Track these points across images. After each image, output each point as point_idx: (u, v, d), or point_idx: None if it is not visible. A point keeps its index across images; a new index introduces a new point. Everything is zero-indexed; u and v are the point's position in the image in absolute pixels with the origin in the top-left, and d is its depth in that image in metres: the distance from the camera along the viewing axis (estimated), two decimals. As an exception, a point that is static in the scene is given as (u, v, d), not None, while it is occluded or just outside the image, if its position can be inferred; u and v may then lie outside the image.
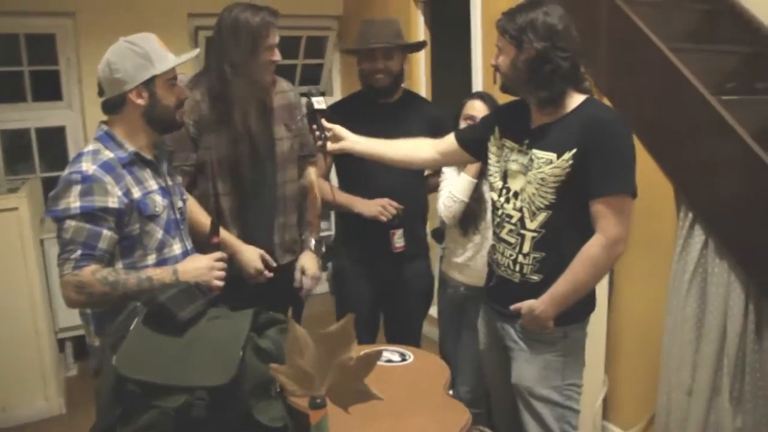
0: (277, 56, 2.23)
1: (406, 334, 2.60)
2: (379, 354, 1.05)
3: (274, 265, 2.28)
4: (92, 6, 3.98)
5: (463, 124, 2.44)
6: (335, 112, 2.53)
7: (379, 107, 2.50)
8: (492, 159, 2.00)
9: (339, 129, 2.11)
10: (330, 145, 2.08)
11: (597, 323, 2.74)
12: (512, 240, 1.88)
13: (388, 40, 2.43)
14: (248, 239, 2.29)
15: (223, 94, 2.20)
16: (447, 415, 1.41)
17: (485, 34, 3.40)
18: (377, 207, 2.38)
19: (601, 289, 2.72)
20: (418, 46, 2.80)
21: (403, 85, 2.61)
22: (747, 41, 2.89)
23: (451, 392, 1.63)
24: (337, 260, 2.67)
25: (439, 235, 2.70)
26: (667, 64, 2.41)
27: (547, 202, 1.79)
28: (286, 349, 1.06)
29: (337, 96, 5.05)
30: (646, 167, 2.54)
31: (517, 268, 1.88)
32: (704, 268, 2.35)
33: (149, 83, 1.74)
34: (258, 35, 2.16)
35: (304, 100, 2.16)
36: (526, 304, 1.83)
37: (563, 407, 1.89)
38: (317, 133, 2.08)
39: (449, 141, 2.15)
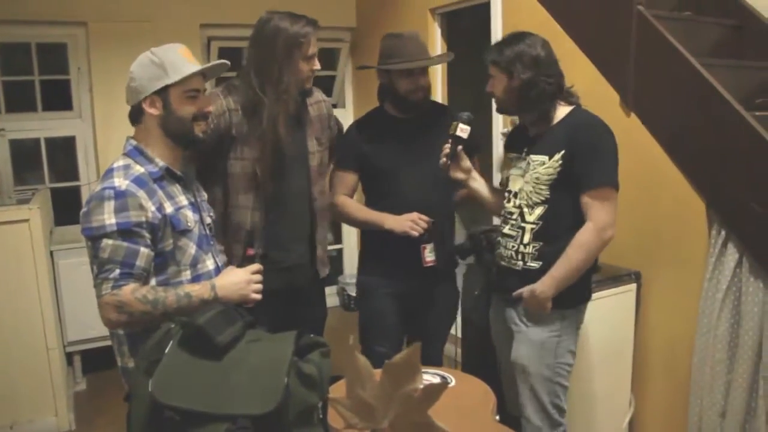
0: (317, 65, 2.23)
1: (430, 352, 2.54)
2: (445, 385, 0.99)
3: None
4: (104, 16, 3.95)
5: None
6: (363, 130, 2.50)
7: (407, 121, 2.45)
8: (503, 171, 2.29)
9: (467, 163, 2.28)
10: (453, 172, 2.25)
11: (623, 342, 2.70)
12: (513, 233, 2.15)
13: (424, 55, 2.39)
14: (282, 254, 2.27)
15: (254, 100, 2.17)
16: (500, 444, 1.36)
17: (506, 46, 3.36)
18: (407, 222, 2.31)
19: (628, 307, 2.68)
20: (448, 56, 2.83)
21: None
22: (772, 57, 2.86)
23: (498, 417, 1.58)
24: (362, 275, 2.61)
25: (464, 251, 2.65)
26: (700, 79, 2.38)
27: (542, 198, 2.07)
28: (346, 379, 1.00)
29: (349, 107, 5.01)
30: (676, 182, 2.50)
31: (519, 257, 2.14)
32: (738, 287, 2.30)
33: (163, 93, 1.70)
34: (295, 44, 2.15)
35: (454, 123, 2.21)
36: (527, 288, 2.08)
37: (553, 383, 2.14)
38: (446, 153, 2.20)
39: None
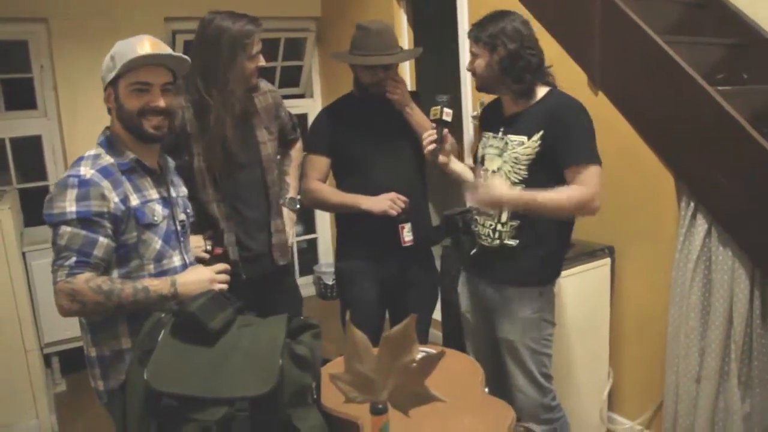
0: (261, 62, 2.25)
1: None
2: (441, 355, 1.03)
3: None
4: (65, 11, 3.87)
5: None
6: (334, 115, 2.52)
7: (375, 107, 2.47)
8: (478, 151, 2.33)
9: (449, 146, 2.30)
10: (441, 157, 2.25)
11: (600, 316, 2.77)
12: (492, 212, 2.19)
13: (387, 51, 2.38)
14: (246, 244, 2.33)
15: (201, 102, 2.19)
16: (492, 413, 1.40)
17: (473, 30, 3.39)
18: (386, 201, 2.34)
19: (603, 282, 2.75)
20: (413, 54, 2.83)
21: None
22: (731, 33, 2.94)
23: (487, 390, 1.62)
24: (340, 262, 2.63)
25: (440, 233, 2.70)
26: (663, 55, 2.44)
27: (521, 177, 2.11)
28: (345, 355, 1.03)
29: (318, 97, 5.01)
30: (645, 158, 2.57)
31: (496, 235, 2.18)
32: (708, 256, 2.38)
33: (114, 85, 1.70)
34: (238, 44, 2.15)
35: (438, 108, 2.21)
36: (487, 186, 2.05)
37: (540, 354, 2.23)
38: (435, 138, 2.20)
39: None
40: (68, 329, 3.43)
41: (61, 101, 3.93)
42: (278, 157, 2.53)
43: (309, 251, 5.32)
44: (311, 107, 4.96)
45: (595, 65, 2.72)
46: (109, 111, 1.76)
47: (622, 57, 2.64)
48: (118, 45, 1.70)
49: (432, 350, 1.87)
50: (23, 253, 3.44)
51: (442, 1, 3.66)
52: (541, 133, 2.06)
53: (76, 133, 3.92)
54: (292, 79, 4.96)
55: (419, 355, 1.04)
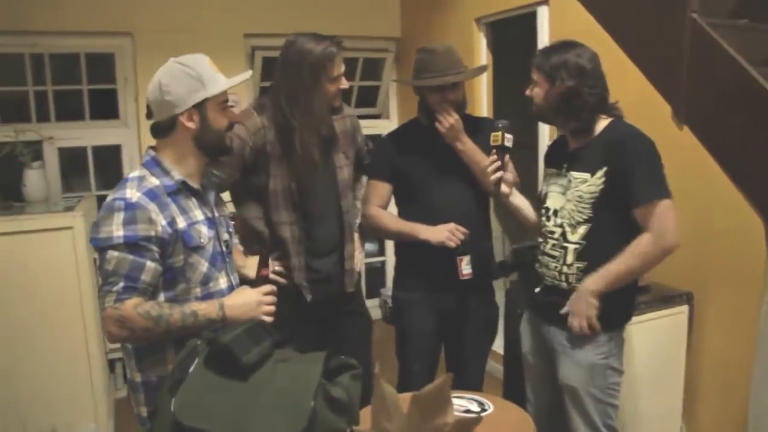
0: (344, 84, 2.22)
1: (471, 371, 2.46)
2: (478, 420, 0.92)
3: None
4: (150, 26, 4.00)
5: None
6: (397, 141, 2.48)
7: (441, 135, 2.37)
8: (542, 186, 2.26)
9: (511, 176, 2.21)
10: (504, 188, 2.15)
11: (674, 367, 2.58)
12: (556, 253, 2.09)
13: (455, 70, 2.33)
14: (314, 269, 2.31)
15: (285, 124, 2.18)
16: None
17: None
18: (444, 232, 2.26)
19: (679, 330, 2.56)
20: (480, 71, 2.75)
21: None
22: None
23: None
24: (398, 291, 2.56)
25: (508, 267, 2.57)
26: (757, 88, 2.25)
27: (585, 217, 2.01)
28: (372, 410, 0.94)
29: (394, 118, 4.96)
30: (732, 199, 2.38)
31: (563, 278, 2.07)
32: (800, 310, 2.17)
33: (200, 106, 1.67)
34: (321, 67, 2.14)
35: (498, 133, 2.14)
36: (573, 298, 2.00)
37: (605, 404, 2.07)
38: (498, 165, 2.10)
39: None
40: (132, 336, 3.47)
41: (141, 112, 3.99)
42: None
43: (378, 274, 5.26)
44: (387, 128, 4.88)
45: (680, 97, 2.54)
46: (167, 132, 1.70)
47: (712, 90, 2.46)
48: (197, 65, 1.68)
49: (483, 399, 1.77)
50: (95, 260, 3.53)
51: (523, 23, 3.54)
52: (605, 169, 1.96)
53: (152, 143, 4.00)
54: (369, 99, 4.94)
55: (456, 416, 0.94)
